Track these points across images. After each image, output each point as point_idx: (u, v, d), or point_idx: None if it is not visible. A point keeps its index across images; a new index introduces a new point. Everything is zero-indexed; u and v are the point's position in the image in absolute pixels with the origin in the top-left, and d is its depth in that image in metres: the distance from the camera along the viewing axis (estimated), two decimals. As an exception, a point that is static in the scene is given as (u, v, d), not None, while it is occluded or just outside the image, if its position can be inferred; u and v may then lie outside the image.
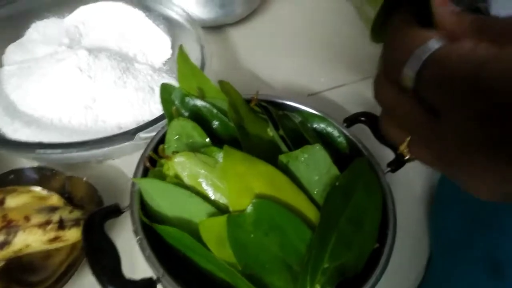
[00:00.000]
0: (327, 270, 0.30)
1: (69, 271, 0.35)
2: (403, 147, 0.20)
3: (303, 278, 0.30)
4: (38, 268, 0.37)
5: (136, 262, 0.36)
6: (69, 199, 0.40)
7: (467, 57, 0.16)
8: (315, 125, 0.41)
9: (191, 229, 0.30)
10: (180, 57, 0.39)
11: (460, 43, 0.17)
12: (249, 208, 0.30)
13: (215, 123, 0.39)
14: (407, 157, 0.21)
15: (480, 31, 0.18)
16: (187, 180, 0.33)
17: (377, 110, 0.27)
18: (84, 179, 0.39)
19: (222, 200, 0.33)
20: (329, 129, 0.41)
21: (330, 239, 0.31)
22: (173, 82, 0.54)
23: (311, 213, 0.32)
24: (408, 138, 0.20)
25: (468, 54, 0.16)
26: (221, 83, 0.41)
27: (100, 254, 0.28)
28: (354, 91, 0.60)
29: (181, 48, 0.38)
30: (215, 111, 0.39)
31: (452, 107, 0.16)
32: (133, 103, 0.49)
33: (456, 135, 0.17)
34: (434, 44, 0.17)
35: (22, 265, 0.37)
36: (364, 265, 0.32)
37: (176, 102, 0.39)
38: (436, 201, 0.44)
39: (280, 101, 0.43)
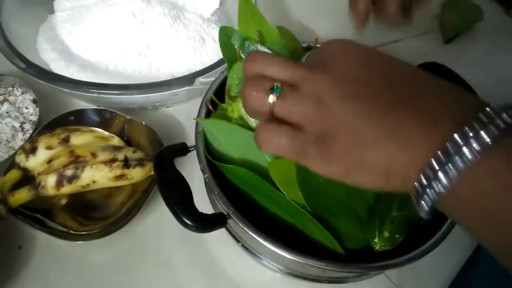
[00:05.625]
0: (396, 219, 0.30)
1: (130, 212, 0.36)
2: None
3: (372, 225, 0.29)
4: (100, 206, 0.38)
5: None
6: (127, 143, 0.40)
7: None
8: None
9: (257, 171, 0.30)
10: (242, -1, 0.37)
11: None
12: (319, 151, 0.29)
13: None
14: None
15: None
16: (252, 123, 0.32)
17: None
18: (143, 122, 0.39)
19: (287, 144, 0.32)
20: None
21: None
22: (223, 33, 0.53)
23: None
24: None
25: None
26: (280, 28, 0.39)
27: (172, 186, 0.28)
28: (409, 47, 0.57)
29: (243, -12, 0.37)
30: (275, 57, 0.37)
31: None
32: (185, 53, 0.48)
33: None
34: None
35: (84, 202, 0.38)
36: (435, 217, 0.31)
37: (236, 46, 0.38)
38: None
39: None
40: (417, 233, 0.30)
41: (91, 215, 0.38)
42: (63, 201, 0.37)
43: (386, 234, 0.30)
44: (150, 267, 0.36)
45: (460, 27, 0.60)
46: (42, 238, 0.36)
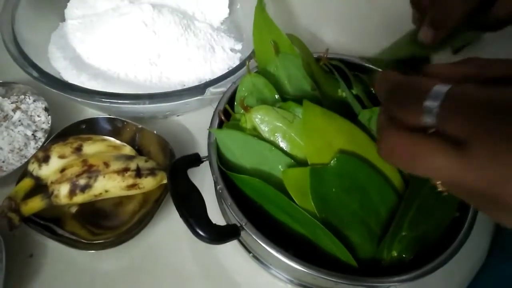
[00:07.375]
0: (404, 239, 0.30)
1: (142, 221, 0.36)
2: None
3: (383, 243, 0.29)
4: (110, 214, 0.38)
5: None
6: (138, 151, 0.40)
7: (481, 89, 0.18)
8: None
9: (269, 182, 0.30)
10: (258, 8, 0.37)
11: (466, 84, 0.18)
12: (333, 162, 0.29)
13: (285, 82, 0.38)
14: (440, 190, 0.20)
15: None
16: (265, 133, 0.32)
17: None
18: (155, 131, 0.39)
19: (299, 155, 0.32)
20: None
21: (411, 207, 0.30)
22: (232, 42, 0.53)
23: (393, 175, 0.31)
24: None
25: (479, 88, 0.18)
26: (291, 37, 0.39)
27: (187, 198, 0.28)
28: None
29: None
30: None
31: (483, 131, 0.17)
32: (195, 61, 0.48)
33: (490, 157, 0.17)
34: (443, 86, 0.18)
35: (94, 210, 0.38)
36: (446, 234, 0.31)
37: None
38: None
39: (352, 60, 0.41)
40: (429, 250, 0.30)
41: (101, 224, 0.38)
42: (73, 209, 0.37)
43: (395, 253, 0.30)
44: (161, 277, 0.36)
45: (469, 36, 0.60)
46: (53, 246, 0.37)
